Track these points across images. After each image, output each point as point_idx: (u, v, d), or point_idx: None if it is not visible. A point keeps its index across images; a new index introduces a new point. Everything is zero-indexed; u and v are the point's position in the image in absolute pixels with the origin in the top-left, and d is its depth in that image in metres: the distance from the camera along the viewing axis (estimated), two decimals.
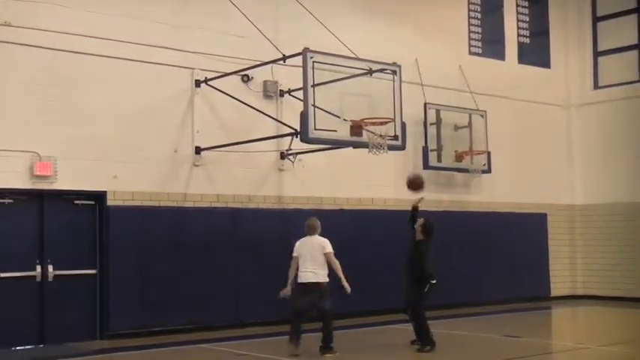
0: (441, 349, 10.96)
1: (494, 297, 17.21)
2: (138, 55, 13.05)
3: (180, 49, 13.52)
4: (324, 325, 10.67)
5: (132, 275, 12.66)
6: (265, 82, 14.39)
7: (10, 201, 11.99)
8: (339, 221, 14.63)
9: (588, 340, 12.86)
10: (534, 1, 19.60)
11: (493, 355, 11.17)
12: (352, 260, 13.99)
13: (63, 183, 12.27)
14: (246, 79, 14.18)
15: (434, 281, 10.94)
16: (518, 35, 19.18)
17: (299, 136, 11.77)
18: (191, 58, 13.62)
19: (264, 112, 13.74)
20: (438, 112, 16.90)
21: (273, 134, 13.73)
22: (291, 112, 13.56)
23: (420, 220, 11.26)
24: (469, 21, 18.22)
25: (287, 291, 10.80)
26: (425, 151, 16.52)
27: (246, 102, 13.68)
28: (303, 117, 11.46)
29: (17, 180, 11.87)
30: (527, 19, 19.38)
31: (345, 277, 10.68)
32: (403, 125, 12.53)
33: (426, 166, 16.49)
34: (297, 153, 13.85)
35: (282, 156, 14.43)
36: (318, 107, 11.54)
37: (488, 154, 17.37)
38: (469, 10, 18.22)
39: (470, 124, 17.31)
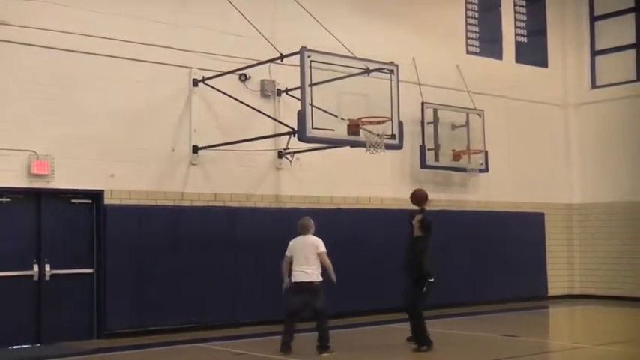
0: (438, 349, 10.95)
1: (491, 296, 17.22)
2: (136, 54, 13.03)
3: (178, 49, 13.51)
4: (319, 325, 10.67)
5: (129, 274, 12.65)
6: (263, 81, 14.39)
7: (8, 200, 11.98)
8: (337, 220, 14.67)
9: (585, 339, 12.88)
10: (532, 1, 19.60)
11: (490, 354, 11.16)
12: (349, 259, 14.10)
13: (60, 182, 12.26)
14: (244, 78, 14.17)
15: (432, 280, 10.88)
16: (516, 34, 19.18)
17: (296, 135, 11.77)
18: (189, 57, 13.61)
19: (262, 111, 13.74)
20: (435, 111, 16.90)
21: (270, 133, 13.73)
22: (288, 111, 13.57)
23: (419, 216, 11.21)
24: (466, 20, 18.22)
25: (287, 283, 10.88)
26: (422, 150, 16.53)
27: (243, 101, 13.68)
28: (301, 116, 11.46)
29: (14, 179, 11.85)
30: (525, 19, 19.38)
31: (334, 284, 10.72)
32: (400, 124, 12.54)
33: (424, 165, 16.52)
34: (295, 152, 13.85)
35: (280, 155, 14.43)
36: (315, 106, 11.54)
37: (486, 153, 17.37)
38: (466, 10, 18.23)
39: (467, 124, 17.31)
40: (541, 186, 18.97)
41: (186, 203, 13.50)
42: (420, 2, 17.24)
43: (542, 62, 19.65)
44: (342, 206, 15.39)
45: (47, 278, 12.14)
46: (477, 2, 18.41)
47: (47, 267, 12.15)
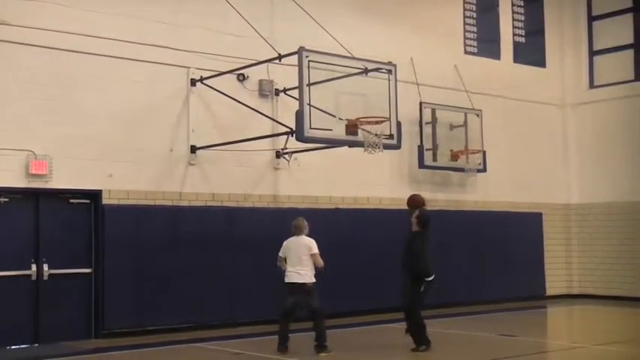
0: (436, 348, 10.95)
1: (489, 296, 17.23)
2: (134, 54, 13.04)
3: (177, 48, 13.52)
4: (316, 325, 10.69)
5: (127, 274, 12.65)
6: (261, 81, 14.39)
7: (6, 199, 11.98)
8: (335, 220, 14.68)
9: (584, 339, 12.90)
10: (530, 1, 19.62)
11: (488, 354, 11.16)
12: (348, 259, 14.12)
13: (58, 182, 12.25)
14: (242, 78, 14.17)
15: (429, 279, 10.82)
16: (514, 34, 19.19)
17: (294, 135, 11.76)
18: (187, 57, 13.62)
19: (260, 111, 13.74)
20: (433, 111, 16.91)
21: (268, 133, 13.74)
22: (286, 111, 13.56)
23: (416, 212, 11.19)
24: (464, 20, 18.23)
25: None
26: (420, 150, 16.53)
27: (241, 101, 13.68)
28: (299, 116, 11.46)
29: (13, 179, 11.85)
30: (523, 19, 19.39)
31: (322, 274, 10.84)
32: (399, 124, 12.54)
33: (422, 165, 16.52)
34: (293, 152, 13.85)
35: (278, 155, 14.43)
36: (313, 106, 11.55)
37: (484, 153, 17.38)
38: (464, 10, 18.24)
39: (465, 124, 17.31)
40: (539, 186, 18.98)
41: (185, 203, 13.50)
42: (417, 2, 17.25)
43: (540, 62, 19.66)
44: (341, 206, 15.39)
45: (45, 278, 12.13)
46: (474, 2, 18.42)
47: (45, 267, 12.14)
